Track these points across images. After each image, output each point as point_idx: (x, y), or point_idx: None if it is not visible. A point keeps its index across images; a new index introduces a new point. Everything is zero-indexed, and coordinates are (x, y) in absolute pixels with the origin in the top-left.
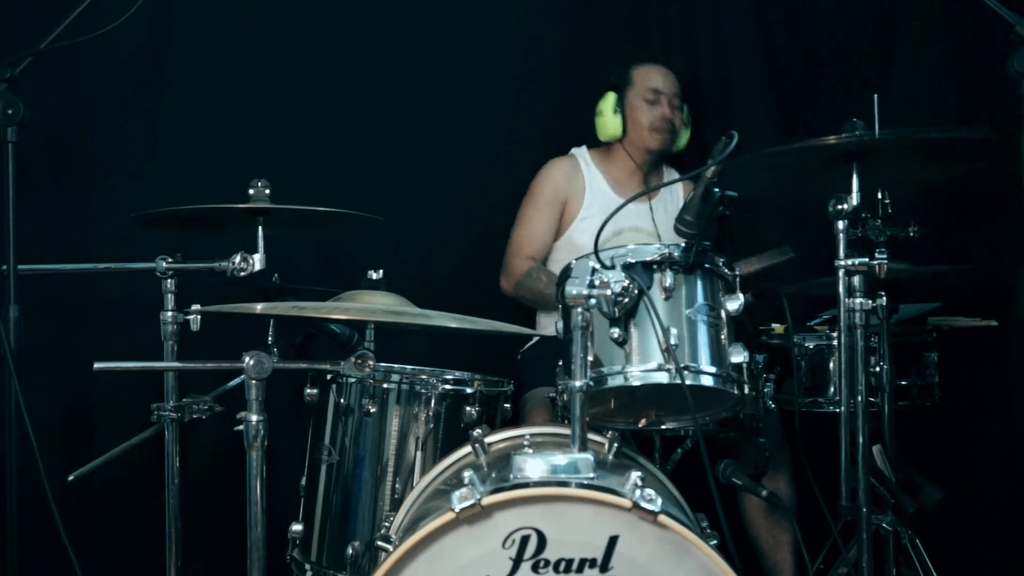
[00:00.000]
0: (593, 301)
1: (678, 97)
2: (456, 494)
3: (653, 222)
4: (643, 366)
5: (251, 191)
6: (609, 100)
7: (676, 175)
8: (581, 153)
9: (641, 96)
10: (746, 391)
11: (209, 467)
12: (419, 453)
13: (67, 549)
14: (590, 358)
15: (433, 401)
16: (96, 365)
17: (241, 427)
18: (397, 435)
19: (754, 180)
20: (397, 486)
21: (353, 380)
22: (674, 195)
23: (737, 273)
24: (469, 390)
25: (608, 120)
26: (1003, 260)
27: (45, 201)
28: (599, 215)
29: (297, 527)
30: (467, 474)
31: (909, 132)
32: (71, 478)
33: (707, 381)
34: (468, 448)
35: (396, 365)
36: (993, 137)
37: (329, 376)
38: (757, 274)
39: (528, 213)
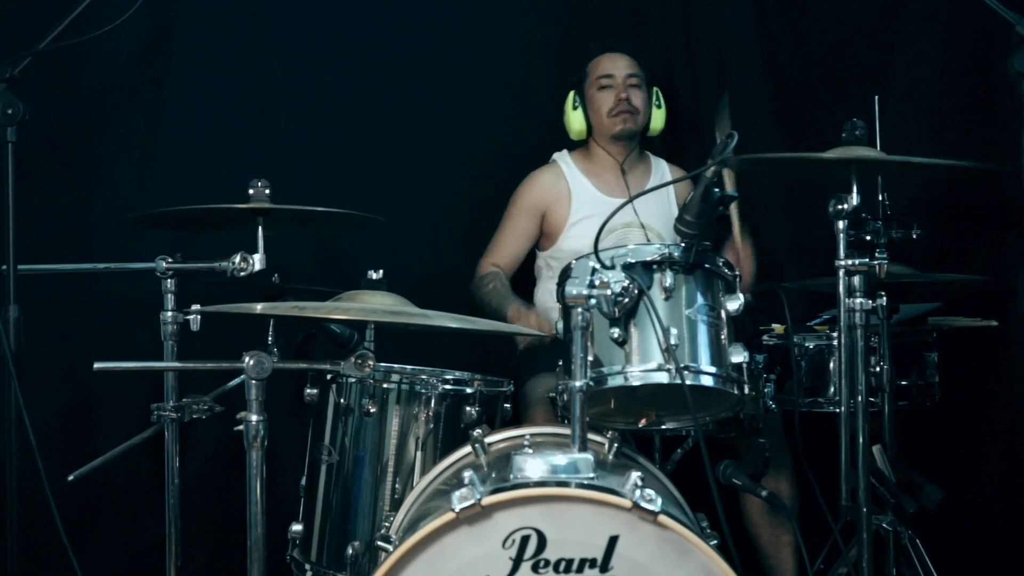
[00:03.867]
0: (593, 301)
1: (636, 77)
2: (456, 494)
3: (635, 213)
4: (643, 366)
5: (251, 191)
6: (569, 99)
7: (663, 163)
8: (563, 158)
9: (595, 86)
10: (746, 391)
11: (209, 467)
12: (419, 453)
13: (67, 549)
14: (590, 358)
15: (433, 401)
16: (96, 365)
17: (241, 427)
18: (397, 435)
19: (754, 180)
20: (397, 486)
21: (353, 380)
22: (658, 182)
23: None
24: (469, 390)
25: (571, 117)
26: (1004, 260)
27: (45, 201)
28: (589, 218)
29: (297, 527)
30: (467, 474)
31: (910, 158)
32: (71, 478)
33: (707, 381)
34: (468, 448)
35: (396, 365)
36: (996, 168)
37: (329, 376)
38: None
39: (504, 222)
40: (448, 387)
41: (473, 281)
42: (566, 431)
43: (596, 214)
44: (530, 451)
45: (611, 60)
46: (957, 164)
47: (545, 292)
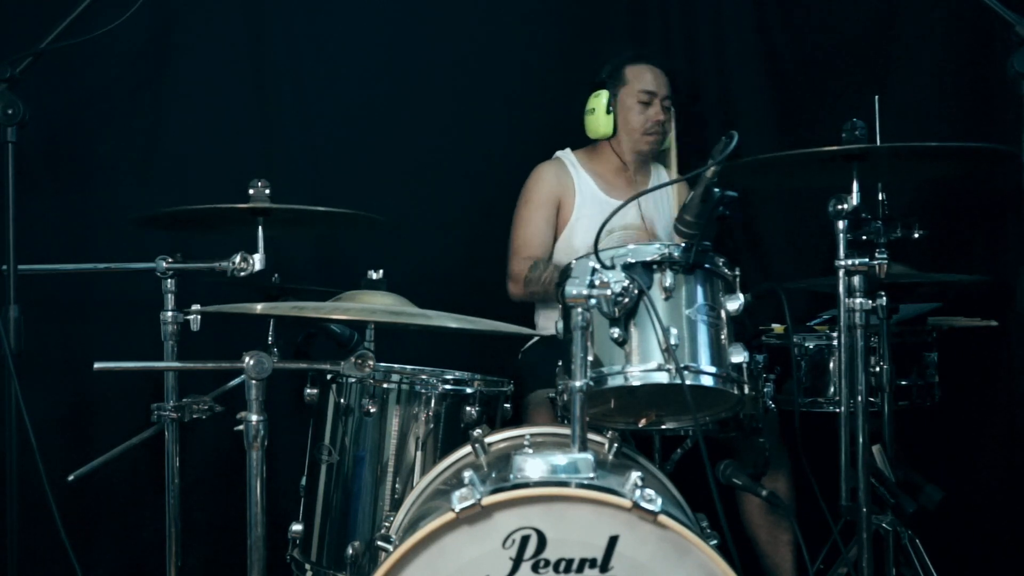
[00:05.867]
0: (593, 301)
1: (669, 99)
2: (456, 494)
3: (641, 217)
4: (643, 366)
5: (251, 191)
6: (602, 98)
7: (662, 169)
8: (566, 156)
9: (635, 97)
10: (746, 391)
11: (209, 467)
12: (419, 453)
13: (67, 549)
14: (590, 358)
15: (433, 401)
16: (96, 365)
17: (241, 427)
18: (397, 435)
19: (754, 180)
20: (397, 486)
21: (353, 380)
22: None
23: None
24: (469, 390)
25: (600, 118)
26: (1003, 260)
27: (45, 201)
28: (591, 216)
29: (297, 527)
30: (467, 474)
31: (908, 145)
32: (71, 478)
33: (707, 381)
34: (468, 448)
35: (396, 365)
36: (992, 148)
37: (329, 376)
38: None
39: (524, 217)
40: (448, 387)
41: (525, 279)
42: (566, 431)
43: (598, 213)
44: (530, 451)
45: (655, 76)
46: (954, 146)
47: None
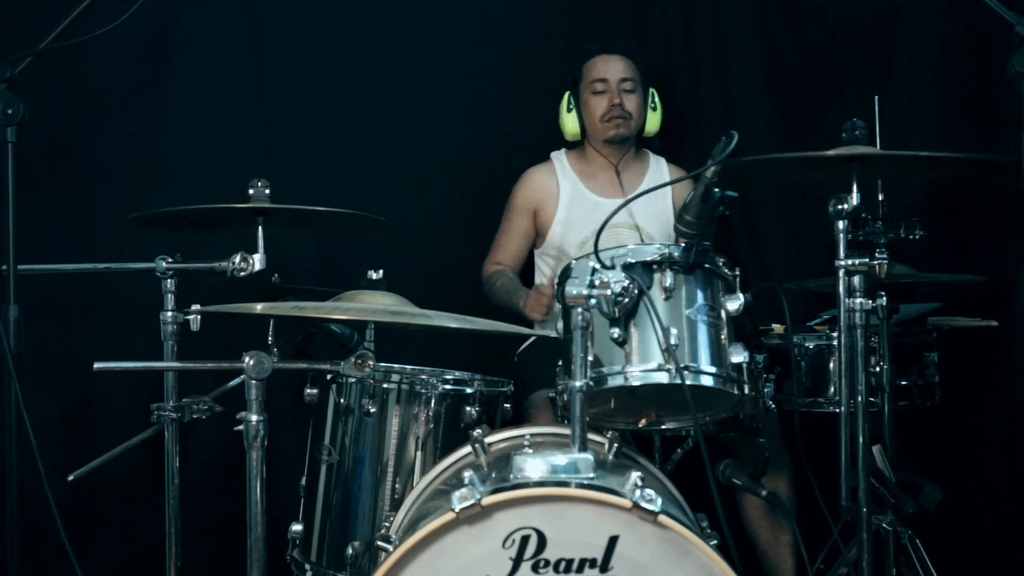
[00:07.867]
0: (593, 301)
1: (631, 81)
2: (456, 494)
3: (630, 214)
4: (643, 366)
5: (251, 191)
6: (564, 100)
7: (663, 161)
8: (558, 157)
9: (589, 89)
10: (746, 391)
11: (209, 467)
12: (419, 453)
13: (67, 549)
14: (590, 358)
15: (433, 401)
16: (96, 365)
17: (241, 427)
18: (397, 435)
19: (755, 180)
20: (397, 486)
21: (353, 380)
22: (656, 181)
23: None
24: (469, 390)
25: (565, 120)
26: (1003, 260)
27: (45, 201)
28: (577, 216)
29: (297, 527)
30: (467, 474)
31: (905, 150)
32: (71, 478)
33: (707, 381)
34: (468, 448)
35: (396, 365)
36: (991, 160)
37: (329, 376)
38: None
39: (503, 222)
40: (448, 387)
41: (483, 284)
42: (566, 431)
43: (585, 213)
44: (530, 451)
45: (605, 63)
46: (955, 156)
47: None
